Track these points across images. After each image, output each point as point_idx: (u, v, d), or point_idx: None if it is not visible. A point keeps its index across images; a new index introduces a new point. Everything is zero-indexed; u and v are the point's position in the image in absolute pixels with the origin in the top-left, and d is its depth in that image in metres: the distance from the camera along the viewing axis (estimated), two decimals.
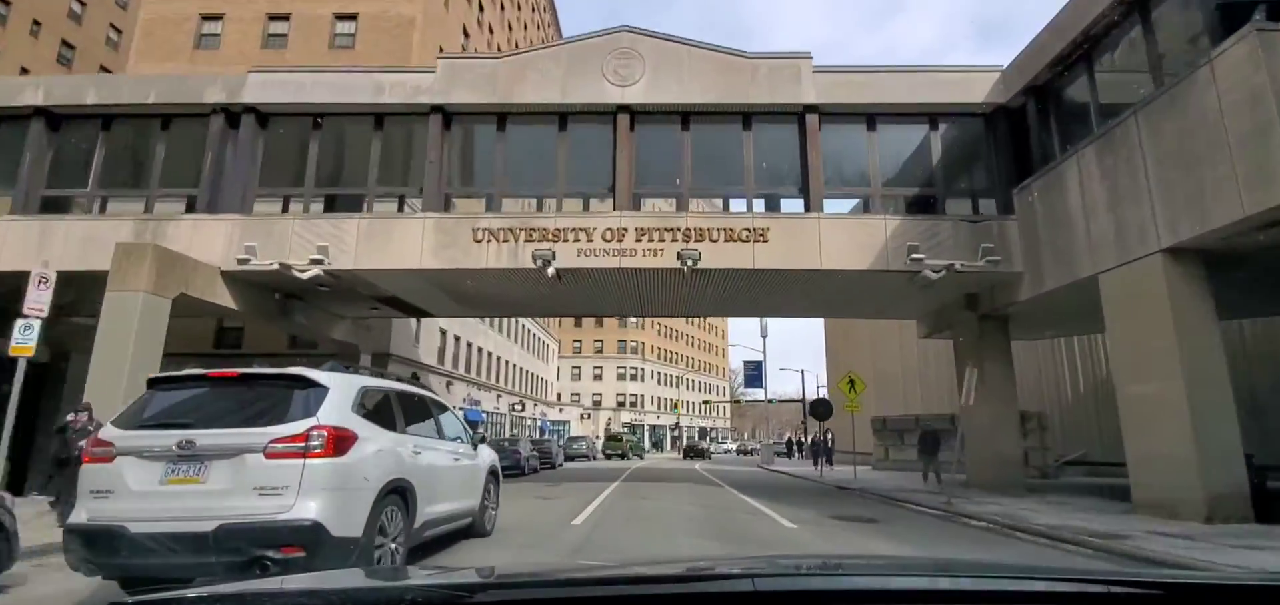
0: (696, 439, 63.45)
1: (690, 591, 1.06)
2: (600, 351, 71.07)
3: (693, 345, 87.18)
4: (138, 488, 4.32)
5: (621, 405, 68.51)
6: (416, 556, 6.00)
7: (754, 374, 35.43)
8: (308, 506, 4.30)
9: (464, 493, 6.93)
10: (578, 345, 71.27)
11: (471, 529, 7.30)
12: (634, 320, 71.97)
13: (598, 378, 70.41)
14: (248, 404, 4.67)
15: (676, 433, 71.20)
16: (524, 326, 46.71)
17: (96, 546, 4.18)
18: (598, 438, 60.89)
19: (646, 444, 70.17)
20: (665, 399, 76.66)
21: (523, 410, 40.43)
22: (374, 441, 5.05)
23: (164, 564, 4.10)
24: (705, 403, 69.42)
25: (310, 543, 4.22)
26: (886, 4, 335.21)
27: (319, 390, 4.76)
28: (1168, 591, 1.06)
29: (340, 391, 4.93)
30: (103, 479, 4.38)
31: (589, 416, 58.68)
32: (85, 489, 4.42)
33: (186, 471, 4.36)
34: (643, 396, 71.55)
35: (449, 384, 28.65)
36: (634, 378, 70.80)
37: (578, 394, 69.11)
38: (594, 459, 39.12)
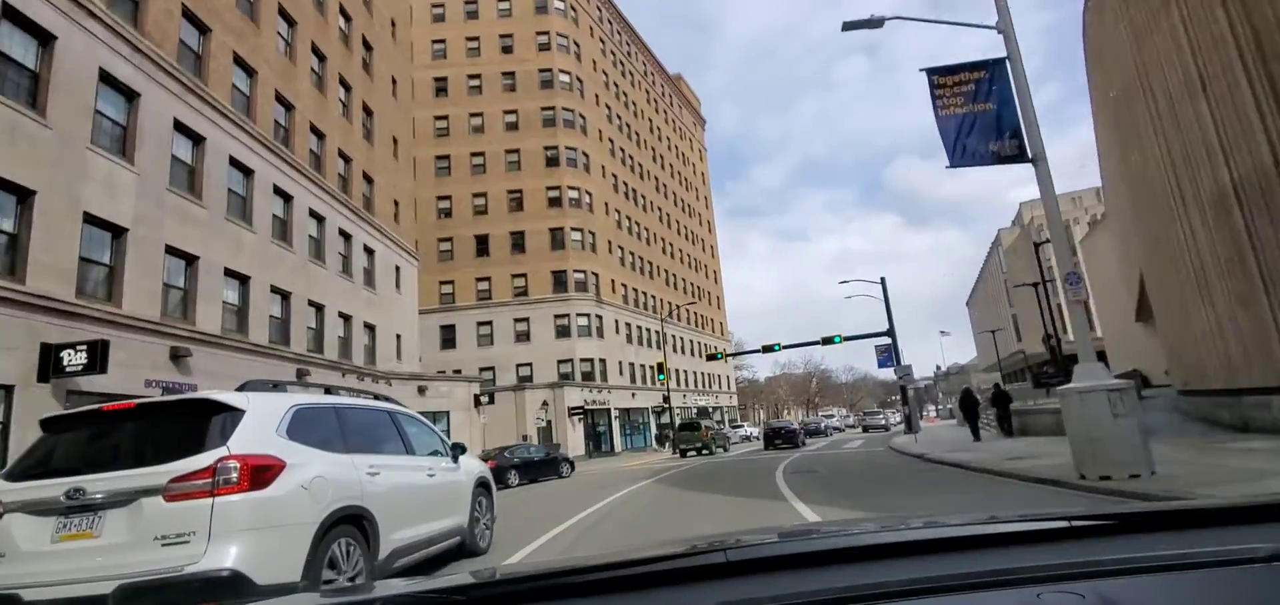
0: (773, 422, 37.36)
1: (667, 569, 1.09)
2: (524, 293, 44.00)
3: (675, 286, 60.65)
4: (28, 547, 3.98)
5: (567, 378, 41.61)
6: None
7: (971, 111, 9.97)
8: (222, 553, 3.88)
9: (446, 510, 6.53)
10: (484, 286, 44.00)
11: (463, 548, 6.95)
12: (578, 236, 45.10)
13: (523, 338, 43.34)
14: (150, 439, 4.34)
15: (666, 414, 44.88)
16: (285, 200, 19.44)
17: None
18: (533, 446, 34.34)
19: (620, 437, 43.82)
20: (642, 366, 50.10)
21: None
22: (310, 467, 4.60)
23: None
24: (709, 361, 43.22)
25: (229, 596, 3.80)
26: None
27: (233, 415, 4.35)
28: (1121, 521, 1.17)
29: (261, 414, 4.53)
30: None
31: (489, 401, 31.55)
32: None
33: (79, 525, 3.98)
34: (602, 363, 44.76)
35: None
36: (585, 333, 43.97)
37: (490, 365, 42.01)
38: None
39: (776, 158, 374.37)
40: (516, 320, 43.61)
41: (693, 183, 73.01)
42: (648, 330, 52.07)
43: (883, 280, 35.76)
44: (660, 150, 64.09)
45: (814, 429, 42.47)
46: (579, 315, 44.02)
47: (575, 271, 44.59)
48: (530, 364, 42.66)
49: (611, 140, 52.62)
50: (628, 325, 49.88)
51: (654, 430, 50.50)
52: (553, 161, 46.04)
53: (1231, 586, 0.93)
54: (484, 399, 30.23)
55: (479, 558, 7.12)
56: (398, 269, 29.06)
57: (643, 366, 50.28)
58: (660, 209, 61.03)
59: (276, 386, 5.19)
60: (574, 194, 45.95)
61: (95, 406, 4.61)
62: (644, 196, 57.53)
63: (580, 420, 39.79)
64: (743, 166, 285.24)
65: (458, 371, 41.79)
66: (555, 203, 45.41)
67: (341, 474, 4.89)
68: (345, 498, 4.80)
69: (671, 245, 62.27)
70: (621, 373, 47.55)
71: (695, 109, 79.24)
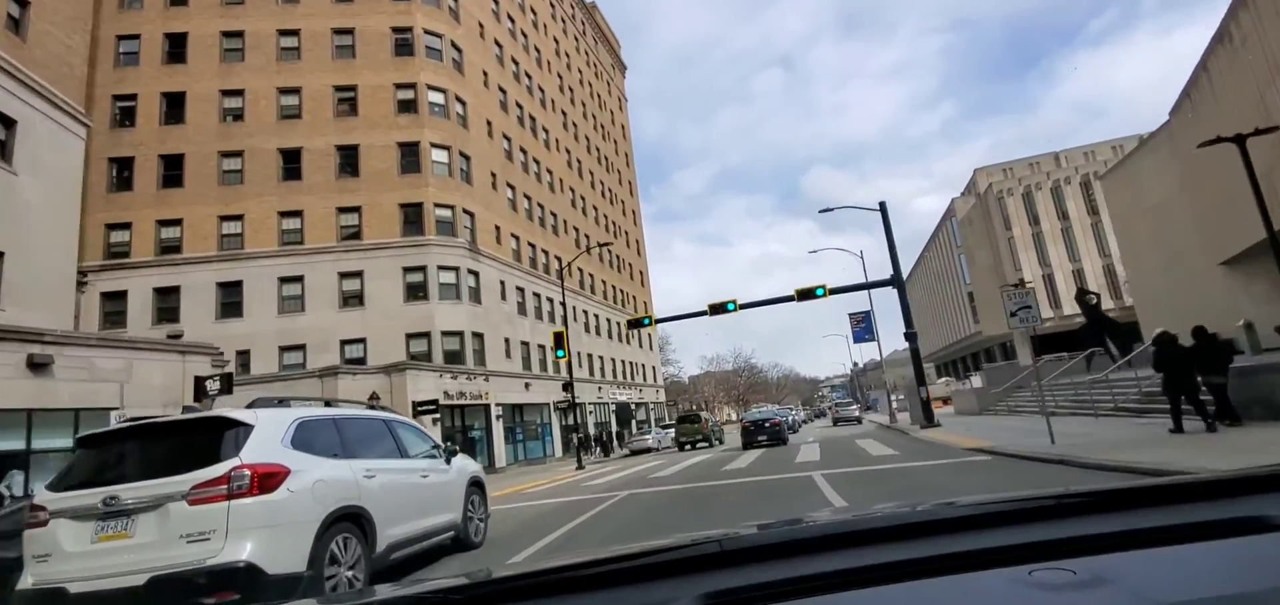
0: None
1: (661, 562, 1.10)
2: (356, 236, 29.84)
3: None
4: (72, 548, 4.58)
5: (420, 358, 27.94)
6: (397, 575, 6.05)
7: None
8: (238, 548, 4.46)
9: (439, 508, 7.00)
10: (293, 225, 29.44)
11: (459, 542, 7.43)
12: (443, 157, 31.45)
13: (353, 300, 29.19)
14: (173, 452, 4.90)
15: (569, 411, 32.38)
16: None
17: None
18: None
19: (506, 446, 30.77)
20: (541, 347, 37.03)
21: None
22: (312, 472, 5.18)
23: None
24: (631, 327, 30.90)
25: (245, 584, 4.38)
26: None
27: (244, 429, 4.94)
28: (1111, 496, 1.17)
29: (268, 427, 5.14)
30: (41, 542, 4.65)
31: (221, 389, 17.40)
32: (29, 553, 4.69)
33: (115, 527, 4.57)
34: (478, 339, 31.36)
35: None
36: (451, 295, 30.36)
37: (299, 342, 27.76)
38: None
39: (697, 165, 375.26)
40: (344, 275, 29.29)
41: (611, 133, 60.61)
42: (550, 300, 39.02)
43: (882, 205, 24.72)
44: (570, 82, 51.19)
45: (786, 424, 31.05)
46: (443, 270, 30.32)
47: (438, 206, 30.82)
48: (363, 339, 28.54)
49: (499, 43, 39.18)
50: (520, 290, 36.60)
51: (557, 434, 37.54)
52: (405, 47, 32.05)
53: (1221, 556, 0.92)
54: (213, 385, 16.30)
55: (474, 551, 7.55)
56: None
57: (541, 348, 37.19)
58: (569, 152, 48.12)
59: (281, 402, 5.81)
60: (438, 98, 32.20)
61: (128, 423, 5.29)
62: (546, 129, 44.41)
63: (437, 422, 26.25)
64: (665, 172, 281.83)
65: (244, 355, 27.22)
66: (408, 106, 31.46)
67: (340, 477, 5.47)
68: (344, 498, 5.36)
69: (584, 200, 49.50)
70: (510, 355, 34.23)
71: (614, 49, 66.91)
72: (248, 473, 4.63)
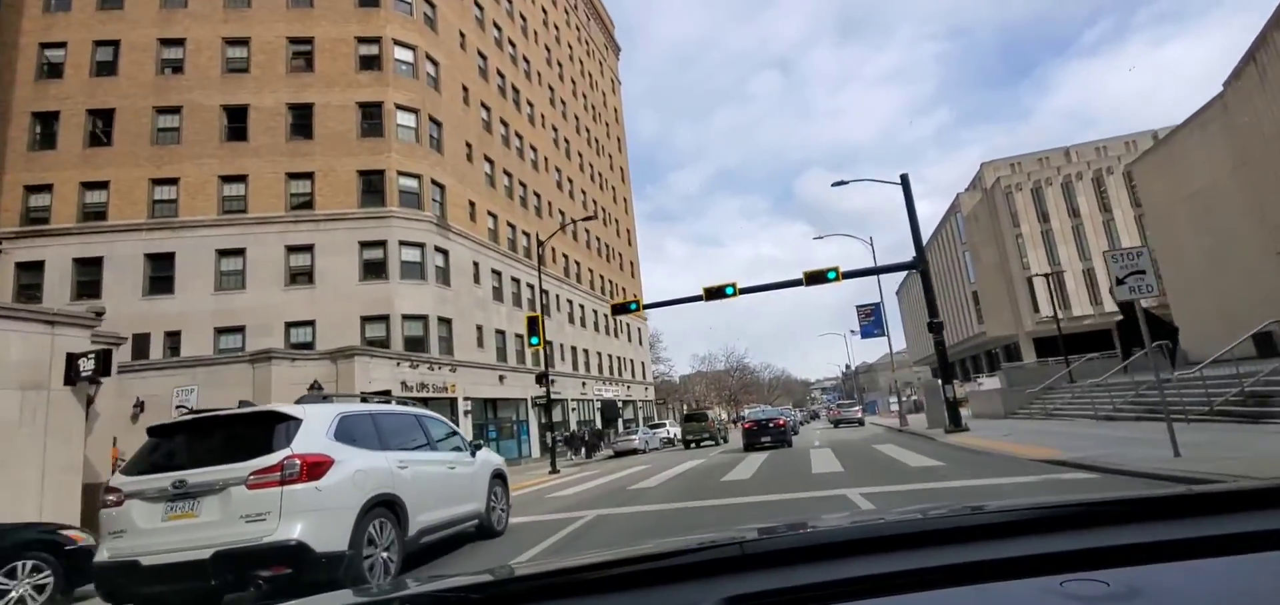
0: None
1: (682, 564, 1.10)
2: (307, 205, 26.54)
3: (575, 234, 44.57)
4: (144, 525, 5.15)
5: (377, 344, 24.71)
6: (427, 557, 6.74)
7: None
8: (290, 528, 4.99)
9: (465, 498, 7.57)
10: (235, 191, 26.12)
11: (482, 530, 8.03)
12: (410, 121, 28.19)
13: (302, 277, 25.88)
14: (233, 441, 5.38)
15: (545, 409, 29.09)
16: None
17: (116, 579, 5.07)
18: None
19: (467, 437, 26.85)
20: (518, 337, 33.86)
21: None
22: (353, 462, 5.69)
23: (173, 590, 4.97)
24: (616, 312, 27.76)
25: (295, 560, 4.92)
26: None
27: (294, 422, 5.48)
28: (1145, 505, 1.14)
29: (316, 421, 5.68)
30: (116, 521, 5.23)
31: (98, 369, 14.06)
32: (105, 530, 5.27)
33: (183, 507, 5.12)
34: (445, 325, 28.18)
35: None
36: (414, 274, 27.14)
37: (237, 323, 24.50)
38: None
39: (692, 165, 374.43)
40: (292, 249, 26.00)
41: (603, 115, 57.45)
42: (530, 286, 35.86)
43: (904, 178, 21.76)
44: (559, 56, 47.99)
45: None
46: (406, 246, 27.09)
47: (402, 175, 27.58)
48: (312, 321, 25.28)
49: (479, 4, 35.94)
50: (496, 273, 33.39)
51: (535, 432, 34.42)
52: None
53: (1265, 569, 0.88)
54: (87, 364, 13.09)
55: (496, 538, 8.04)
56: None
57: (519, 338, 34.01)
58: (556, 129, 44.94)
59: (326, 398, 6.60)
60: (406, 56, 28.94)
61: (192, 415, 5.82)
62: (531, 103, 41.21)
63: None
64: (661, 172, 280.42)
65: (174, 336, 24.04)
66: (371, 63, 28.19)
67: (377, 467, 5.95)
68: (380, 486, 5.85)
69: (572, 182, 46.32)
70: (482, 344, 31.04)
71: (608, 28, 63.74)
72: (298, 461, 5.19)
